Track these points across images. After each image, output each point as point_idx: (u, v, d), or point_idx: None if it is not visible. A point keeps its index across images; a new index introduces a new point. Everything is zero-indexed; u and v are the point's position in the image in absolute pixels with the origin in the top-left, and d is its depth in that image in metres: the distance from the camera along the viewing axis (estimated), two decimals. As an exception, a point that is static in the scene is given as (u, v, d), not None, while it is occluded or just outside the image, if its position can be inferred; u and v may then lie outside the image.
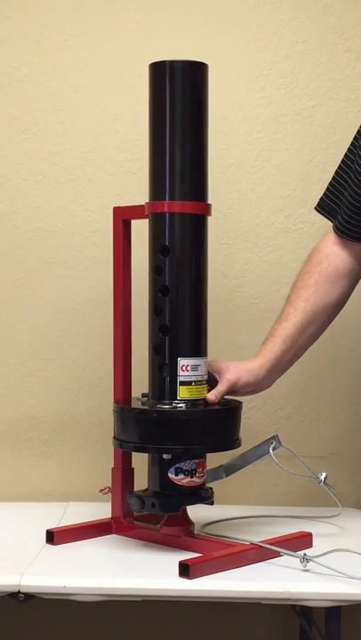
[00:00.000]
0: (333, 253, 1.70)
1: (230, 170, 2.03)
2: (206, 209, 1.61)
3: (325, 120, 2.03)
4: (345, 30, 2.02)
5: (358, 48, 2.03)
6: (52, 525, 1.70)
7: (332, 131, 2.03)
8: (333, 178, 1.73)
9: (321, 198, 1.76)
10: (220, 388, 1.62)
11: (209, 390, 1.62)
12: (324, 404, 2.06)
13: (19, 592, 1.43)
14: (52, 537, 1.64)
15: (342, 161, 1.72)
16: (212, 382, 1.64)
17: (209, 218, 1.62)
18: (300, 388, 2.04)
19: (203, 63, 1.60)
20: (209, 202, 1.62)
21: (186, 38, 2.01)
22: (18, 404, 2.05)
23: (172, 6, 2.02)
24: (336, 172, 1.73)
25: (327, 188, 1.74)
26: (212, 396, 1.60)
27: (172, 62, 1.58)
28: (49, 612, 1.94)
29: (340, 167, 1.72)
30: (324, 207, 1.75)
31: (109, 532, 1.71)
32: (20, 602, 1.44)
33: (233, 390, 1.64)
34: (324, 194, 1.75)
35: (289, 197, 2.04)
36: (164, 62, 1.59)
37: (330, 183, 1.74)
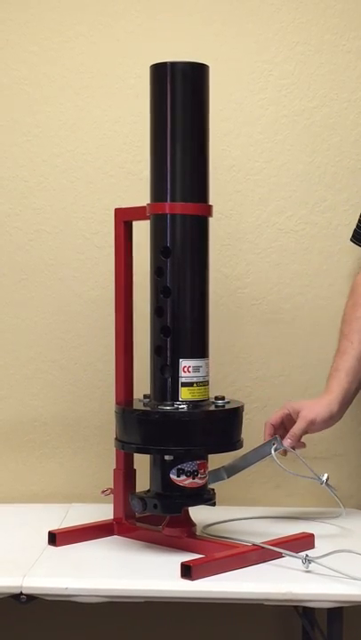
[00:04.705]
0: None
1: (231, 171, 2.03)
2: (207, 210, 1.61)
3: (326, 121, 2.03)
4: (346, 31, 2.02)
5: (359, 49, 2.03)
6: (54, 527, 1.70)
7: (333, 132, 2.03)
8: None
9: (355, 230, 1.85)
10: (298, 426, 1.68)
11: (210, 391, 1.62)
12: (326, 405, 2.06)
13: (21, 593, 1.43)
14: (55, 538, 1.64)
15: None
16: (288, 424, 1.70)
17: (210, 219, 1.62)
18: (301, 390, 2.03)
19: (204, 64, 1.60)
20: (210, 203, 1.62)
21: (187, 40, 2.01)
22: (20, 406, 2.05)
23: (173, 8, 2.02)
24: None
25: (359, 219, 1.84)
26: (287, 441, 1.67)
27: (173, 64, 1.58)
28: (51, 613, 1.94)
29: None
30: (358, 237, 1.85)
31: (111, 534, 1.71)
32: (23, 603, 1.44)
33: (310, 429, 1.70)
34: (358, 225, 1.84)
35: (290, 198, 2.04)
36: (165, 64, 1.59)
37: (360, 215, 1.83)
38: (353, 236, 1.87)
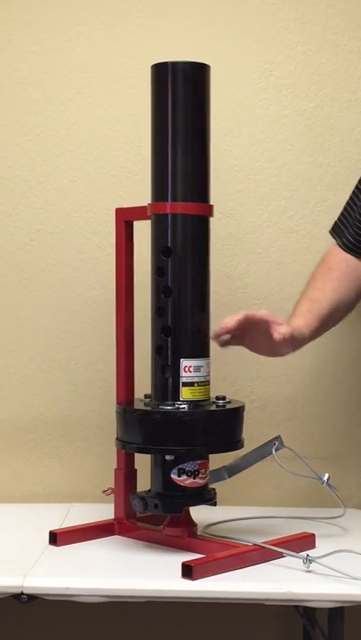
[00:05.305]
0: (350, 259, 1.76)
1: (232, 171, 2.03)
2: (208, 210, 1.61)
3: (327, 121, 2.03)
4: (347, 31, 2.02)
5: (360, 49, 2.03)
6: (55, 526, 1.70)
7: (334, 131, 2.03)
8: (347, 202, 1.80)
9: (335, 222, 1.82)
10: (287, 328, 1.58)
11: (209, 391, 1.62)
12: (327, 405, 2.06)
13: (22, 593, 1.43)
14: (55, 538, 1.64)
15: (356, 186, 1.78)
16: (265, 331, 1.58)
17: (211, 219, 1.62)
18: (302, 389, 2.03)
19: (205, 64, 1.60)
20: (211, 203, 1.62)
21: (188, 39, 2.01)
22: (20, 406, 2.05)
23: (174, 8, 2.02)
24: (350, 197, 1.79)
25: (341, 213, 1.81)
26: (284, 327, 1.56)
27: (174, 63, 1.58)
28: (52, 613, 1.95)
29: (353, 192, 1.79)
30: (334, 229, 1.81)
31: (112, 533, 1.71)
32: (23, 603, 1.44)
33: (292, 338, 1.60)
34: (339, 218, 1.81)
35: (291, 198, 2.04)
36: (166, 63, 1.59)
37: (343, 208, 1.81)
38: (332, 228, 1.82)
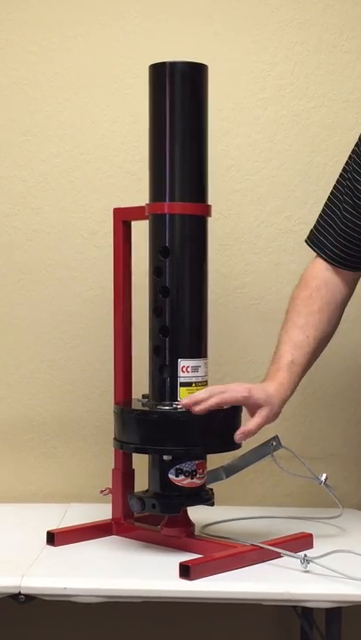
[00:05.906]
0: (329, 279, 1.71)
1: (230, 171, 2.03)
2: (206, 210, 1.61)
3: (325, 121, 2.03)
4: (344, 31, 2.02)
5: (358, 49, 2.03)
6: (53, 526, 1.70)
7: (331, 132, 2.03)
8: (323, 210, 1.73)
9: (311, 231, 1.76)
10: (258, 420, 1.59)
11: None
12: (325, 405, 2.06)
13: (19, 593, 1.43)
14: (53, 538, 1.64)
15: (331, 193, 1.72)
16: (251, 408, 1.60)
17: (209, 219, 1.62)
18: (300, 389, 2.01)
19: (202, 64, 1.60)
20: (209, 203, 1.62)
21: (186, 40, 2.01)
22: (18, 406, 2.05)
23: (172, 8, 2.02)
24: (325, 204, 1.73)
25: (317, 221, 1.75)
26: (253, 426, 1.57)
27: (172, 63, 1.58)
28: (49, 613, 1.94)
29: (329, 199, 1.73)
30: (313, 240, 1.75)
31: (110, 534, 1.71)
32: (21, 603, 1.44)
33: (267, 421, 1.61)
34: (315, 227, 1.75)
35: (289, 198, 2.04)
36: (163, 64, 1.59)
37: (319, 216, 1.74)
38: (309, 237, 1.77)
